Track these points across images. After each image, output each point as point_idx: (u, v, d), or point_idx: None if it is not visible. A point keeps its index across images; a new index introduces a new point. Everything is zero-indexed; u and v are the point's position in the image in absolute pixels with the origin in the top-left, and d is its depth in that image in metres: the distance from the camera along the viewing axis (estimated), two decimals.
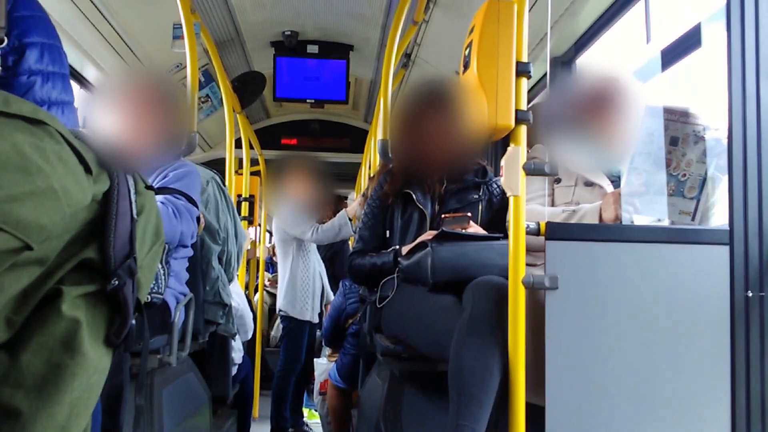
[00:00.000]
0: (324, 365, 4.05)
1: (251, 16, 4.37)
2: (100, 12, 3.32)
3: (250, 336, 3.48)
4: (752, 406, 1.54)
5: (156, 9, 3.61)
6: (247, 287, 5.60)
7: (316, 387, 4.10)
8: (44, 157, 0.82)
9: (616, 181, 2.03)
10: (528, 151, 1.60)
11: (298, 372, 4.45)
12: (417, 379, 2.06)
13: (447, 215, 2.14)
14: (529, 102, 1.56)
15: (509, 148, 1.56)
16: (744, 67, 1.56)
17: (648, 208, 1.81)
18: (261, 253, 5.88)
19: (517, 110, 1.53)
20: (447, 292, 1.90)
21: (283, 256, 4.48)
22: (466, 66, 1.60)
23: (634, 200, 1.79)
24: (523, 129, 1.55)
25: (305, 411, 4.86)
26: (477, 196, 2.31)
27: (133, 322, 1.00)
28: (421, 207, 2.26)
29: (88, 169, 0.91)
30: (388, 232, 2.34)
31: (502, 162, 1.57)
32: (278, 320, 5.58)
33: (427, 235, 2.10)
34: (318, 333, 4.77)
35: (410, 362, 2.04)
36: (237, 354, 3.22)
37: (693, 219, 1.75)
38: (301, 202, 4.41)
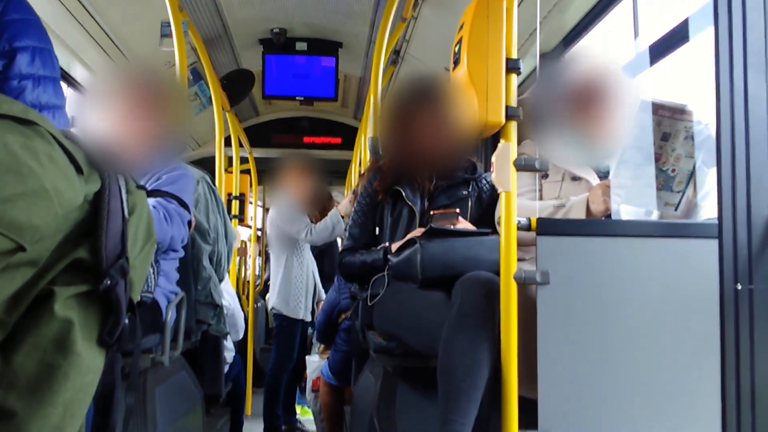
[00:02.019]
0: (316, 362, 4.04)
1: (239, 13, 4.35)
2: (87, 11, 3.30)
3: (241, 336, 3.48)
4: (742, 398, 1.55)
5: (143, 7, 3.60)
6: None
7: (309, 384, 4.10)
8: (35, 158, 0.82)
9: (603, 176, 2.03)
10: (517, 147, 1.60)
11: (290, 370, 4.44)
12: (410, 375, 2.06)
13: (435, 211, 2.15)
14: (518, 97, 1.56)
15: (500, 144, 1.56)
16: (732, 60, 1.57)
17: (635, 200, 1.83)
18: (252, 251, 5.87)
19: (507, 106, 1.53)
20: (437, 288, 1.90)
21: (277, 254, 4.45)
22: (456, 62, 1.60)
23: (622, 191, 1.80)
24: (513, 125, 1.55)
25: (298, 408, 4.86)
26: (466, 192, 2.32)
27: (126, 321, 0.99)
28: (410, 204, 2.26)
29: (79, 169, 0.91)
30: (378, 229, 2.34)
31: (493, 158, 1.57)
32: None
33: (416, 231, 2.11)
34: (310, 330, 4.77)
35: (403, 358, 2.04)
36: (228, 353, 3.22)
37: (676, 210, 1.77)
38: (297, 199, 4.39)
